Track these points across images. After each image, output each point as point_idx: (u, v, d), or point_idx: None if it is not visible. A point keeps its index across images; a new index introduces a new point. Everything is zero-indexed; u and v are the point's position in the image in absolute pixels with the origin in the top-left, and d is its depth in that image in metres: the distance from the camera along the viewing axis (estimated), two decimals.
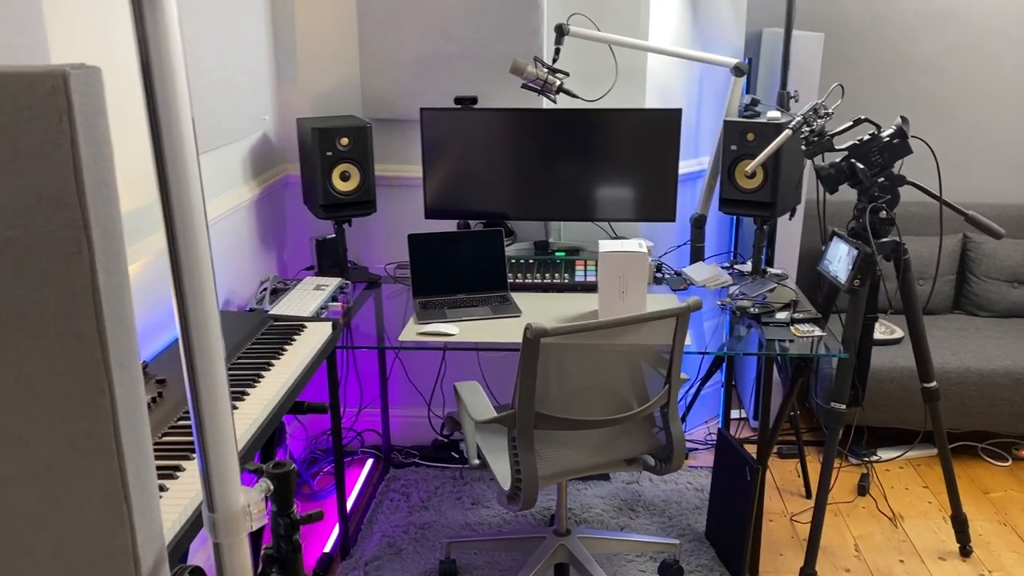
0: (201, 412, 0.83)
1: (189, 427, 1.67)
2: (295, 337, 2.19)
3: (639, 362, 2.13)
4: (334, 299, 2.68)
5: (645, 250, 2.43)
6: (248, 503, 0.87)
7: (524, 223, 3.11)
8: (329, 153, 2.75)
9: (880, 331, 3.33)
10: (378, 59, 2.94)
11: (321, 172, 2.76)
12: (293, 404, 2.09)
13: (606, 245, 2.47)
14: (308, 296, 2.62)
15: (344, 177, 2.81)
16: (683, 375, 2.30)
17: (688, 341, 2.38)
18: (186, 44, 2.19)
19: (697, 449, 3.34)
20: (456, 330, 2.45)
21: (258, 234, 2.90)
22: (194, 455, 1.59)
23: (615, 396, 2.13)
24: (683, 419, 3.36)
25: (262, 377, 1.94)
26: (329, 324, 2.30)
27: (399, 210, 3.15)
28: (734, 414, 3.57)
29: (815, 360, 2.99)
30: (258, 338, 2.18)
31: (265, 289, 2.70)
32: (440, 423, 3.32)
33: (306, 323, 2.30)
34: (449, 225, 3.08)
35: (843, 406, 2.40)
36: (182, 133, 0.76)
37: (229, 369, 1.97)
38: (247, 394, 1.85)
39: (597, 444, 2.21)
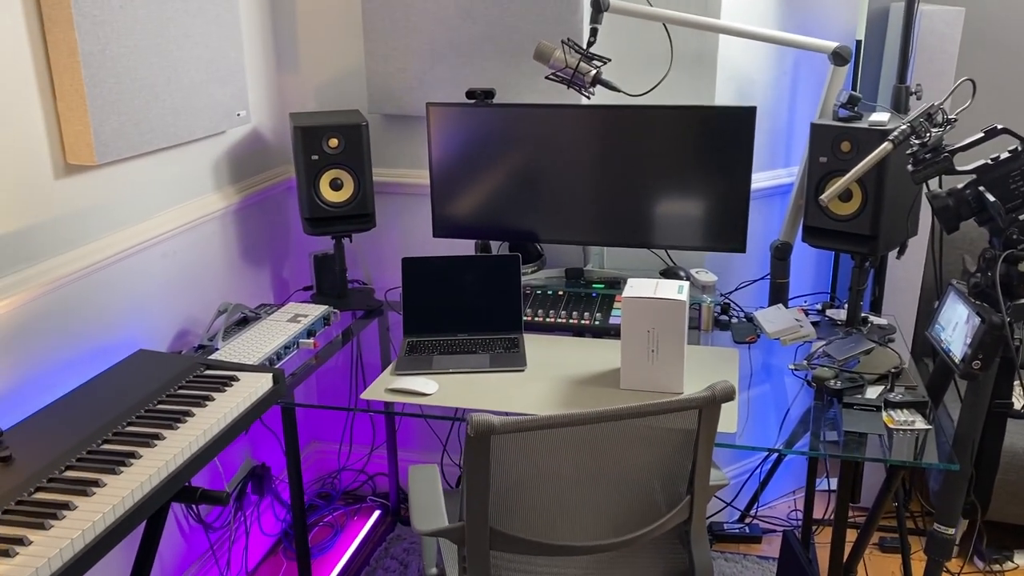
0: None
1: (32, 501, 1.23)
2: (215, 394, 1.72)
3: (649, 463, 1.54)
4: (310, 334, 2.21)
5: (685, 297, 1.83)
6: None
7: (557, 245, 2.53)
8: (315, 157, 2.28)
9: (1017, 401, 2.54)
10: (385, 42, 2.43)
11: (306, 179, 2.29)
12: (182, 490, 1.63)
13: (633, 287, 1.88)
14: (275, 330, 2.16)
15: (335, 185, 2.33)
16: (723, 477, 1.68)
17: (732, 428, 1.75)
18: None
19: (774, 531, 2.68)
20: (434, 387, 1.92)
21: (241, 249, 2.46)
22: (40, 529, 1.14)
23: (609, 511, 1.54)
24: (761, 488, 2.70)
25: (136, 457, 1.48)
26: (270, 376, 1.83)
27: (416, 222, 2.64)
28: (832, 483, 2.87)
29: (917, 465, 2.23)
30: (169, 395, 1.72)
31: (223, 320, 2.25)
32: (457, 474, 2.80)
33: (240, 373, 1.84)
34: (467, 246, 2.55)
35: (951, 530, 1.71)
36: None
37: (101, 443, 1.53)
38: (99, 484, 1.39)
39: (589, 567, 1.63)
